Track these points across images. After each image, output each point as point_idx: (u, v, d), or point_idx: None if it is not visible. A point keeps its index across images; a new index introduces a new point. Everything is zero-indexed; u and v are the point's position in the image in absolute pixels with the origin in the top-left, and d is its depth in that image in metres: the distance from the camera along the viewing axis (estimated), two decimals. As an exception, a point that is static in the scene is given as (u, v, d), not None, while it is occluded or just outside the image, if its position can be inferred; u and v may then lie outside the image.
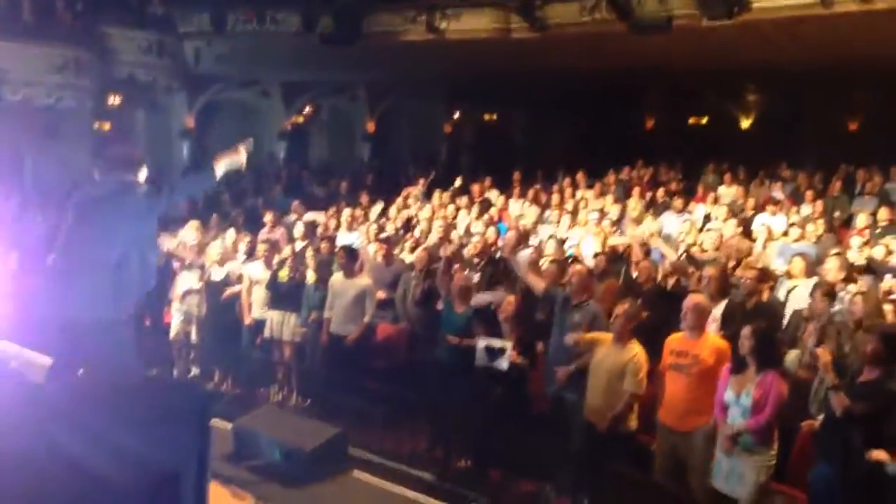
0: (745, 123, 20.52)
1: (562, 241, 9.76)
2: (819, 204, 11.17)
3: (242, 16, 16.01)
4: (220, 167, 4.62)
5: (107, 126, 15.85)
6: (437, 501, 5.10)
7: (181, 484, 2.60)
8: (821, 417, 5.38)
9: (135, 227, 4.68)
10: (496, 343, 6.76)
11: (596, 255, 8.62)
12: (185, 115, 18.00)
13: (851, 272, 7.47)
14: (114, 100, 16.14)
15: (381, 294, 8.76)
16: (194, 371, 9.23)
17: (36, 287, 5.87)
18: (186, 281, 9.29)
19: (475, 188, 13.63)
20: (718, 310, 6.53)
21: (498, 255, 9.40)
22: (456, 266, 8.34)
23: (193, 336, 9.27)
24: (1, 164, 13.71)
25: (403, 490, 4.87)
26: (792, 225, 9.95)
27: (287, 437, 4.83)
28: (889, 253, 8.31)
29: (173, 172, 15.97)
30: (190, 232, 9.76)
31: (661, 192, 13.07)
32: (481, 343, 6.81)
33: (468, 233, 10.65)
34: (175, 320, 9.32)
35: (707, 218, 11.45)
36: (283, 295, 8.72)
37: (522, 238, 9.95)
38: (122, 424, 2.97)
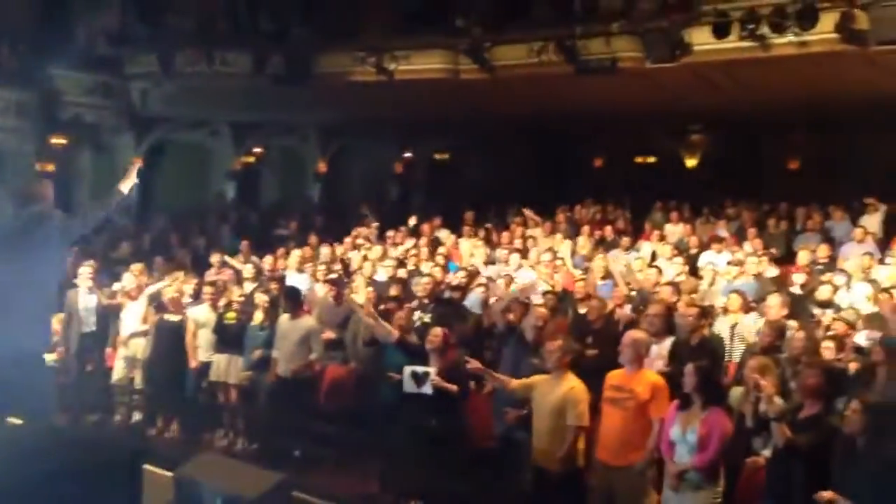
0: (691, 163, 20.89)
1: (511, 281, 9.79)
2: (760, 241, 11.40)
3: (191, 56, 15.90)
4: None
5: (50, 167, 15.56)
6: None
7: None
8: (766, 452, 5.44)
9: (53, 256, 4.82)
10: (420, 369, 6.81)
11: (545, 294, 8.66)
12: (131, 156, 17.75)
13: (793, 309, 7.61)
14: (58, 141, 15.89)
15: (330, 335, 8.67)
16: (136, 416, 9.01)
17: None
18: (131, 324, 9.12)
19: (426, 228, 13.66)
20: (664, 347, 6.59)
21: (447, 294, 9.41)
22: (402, 306, 8.34)
23: (137, 380, 9.07)
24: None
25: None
26: (735, 262, 10.12)
27: (229, 486, 4.66)
28: (832, 289, 8.47)
29: (120, 212, 15.72)
30: (132, 275, 9.59)
31: (609, 230, 13.24)
32: (407, 370, 6.86)
33: (418, 272, 10.64)
34: (118, 364, 9.13)
35: (654, 255, 11.61)
36: (231, 338, 8.59)
37: (473, 278, 9.99)
38: (52, 476, 2.88)
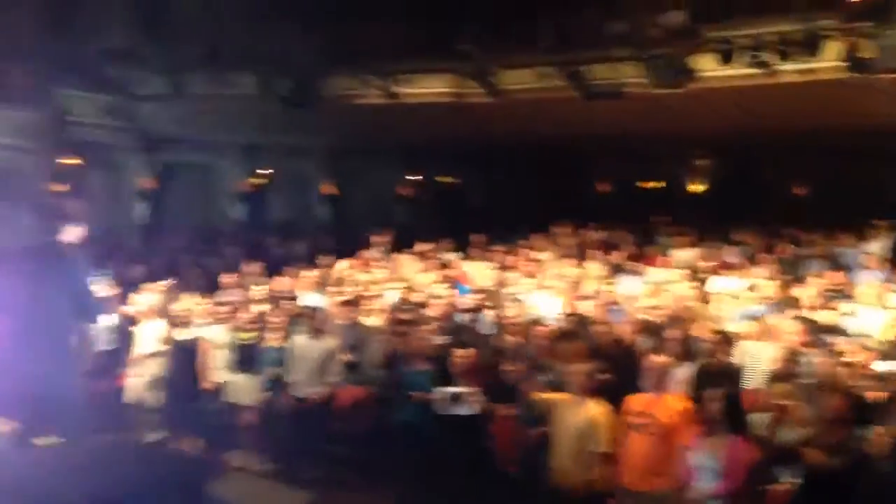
0: (695, 188, 21.04)
1: (523, 303, 9.85)
2: (771, 267, 11.46)
3: (200, 78, 16.05)
4: None
5: (62, 188, 15.65)
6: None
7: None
8: (787, 479, 5.48)
9: (71, 286, 4.82)
10: (458, 389, 6.80)
11: (565, 316, 8.71)
12: (142, 177, 17.90)
13: (808, 335, 7.66)
14: (70, 161, 16.01)
15: (344, 356, 8.72)
16: (152, 436, 9.01)
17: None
18: (146, 343, 9.16)
19: (434, 250, 13.73)
20: (682, 371, 6.64)
21: (459, 317, 9.47)
22: (417, 328, 8.38)
23: (153, 399, 9.09)
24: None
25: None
26: (747, 288, 10.17)
27: (260, 506, 4.75)
28: (843, 315, 8.52)
29: (132, 234, 15.81)
30: (150, 294, 9.63)
31: (616, 255, 13.30)
32: (444, 390, 6.84)
33: (430, 295, 10.69)
34: (133, 383, 9.15)
35: (664, 281, 11.65)
36: (246, 358, 8.64)
37: (485, 300, 10.05)
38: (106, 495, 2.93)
